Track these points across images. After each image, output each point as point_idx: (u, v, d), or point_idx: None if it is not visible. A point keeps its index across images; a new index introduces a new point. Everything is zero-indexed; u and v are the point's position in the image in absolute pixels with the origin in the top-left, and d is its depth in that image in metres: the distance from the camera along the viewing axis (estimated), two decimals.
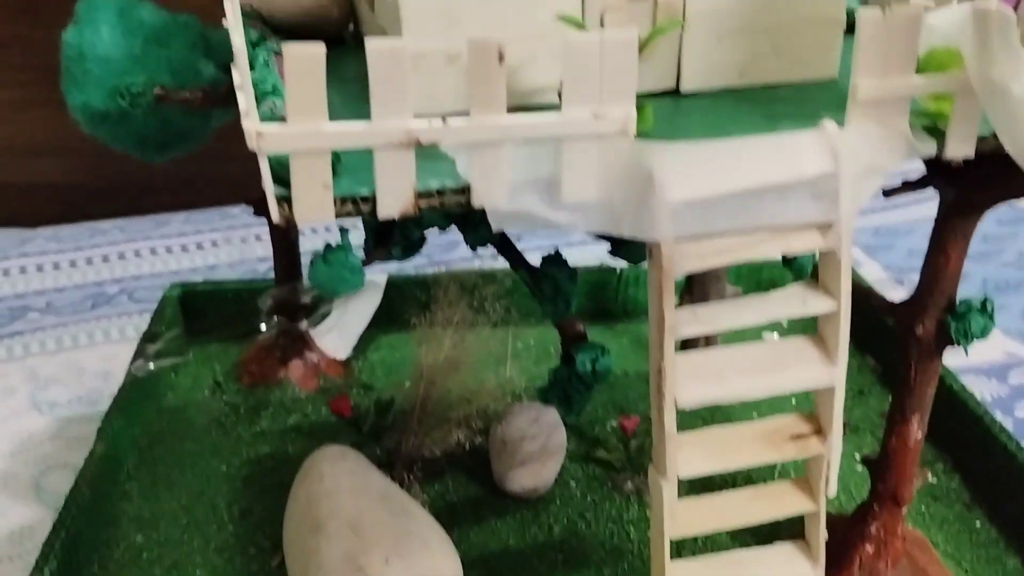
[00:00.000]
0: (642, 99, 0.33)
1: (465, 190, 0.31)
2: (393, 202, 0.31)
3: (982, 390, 0.67)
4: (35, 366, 0.67)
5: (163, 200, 0.91)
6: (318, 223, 0.30)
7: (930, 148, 0.35)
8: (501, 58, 0.29)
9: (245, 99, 0.29)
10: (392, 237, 0.40)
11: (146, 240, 0.85)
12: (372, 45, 0.28)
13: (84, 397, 0.63)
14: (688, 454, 0.36)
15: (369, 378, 0.63)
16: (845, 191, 0.33)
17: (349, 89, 0.40)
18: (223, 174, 0.84)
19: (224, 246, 0.84)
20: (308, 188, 0.29)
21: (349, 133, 0.29)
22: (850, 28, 0.35)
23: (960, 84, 0.34)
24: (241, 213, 0.91)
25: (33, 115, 0.89)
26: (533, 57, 0.37)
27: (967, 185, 0.39)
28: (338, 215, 0.30)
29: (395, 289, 0.67)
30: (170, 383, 0.62)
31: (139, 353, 0.59)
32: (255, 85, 0.36)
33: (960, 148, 0.35)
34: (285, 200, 0.30)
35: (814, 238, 0.34)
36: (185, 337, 0.65)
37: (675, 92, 0.40)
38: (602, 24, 0.38)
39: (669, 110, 0.38)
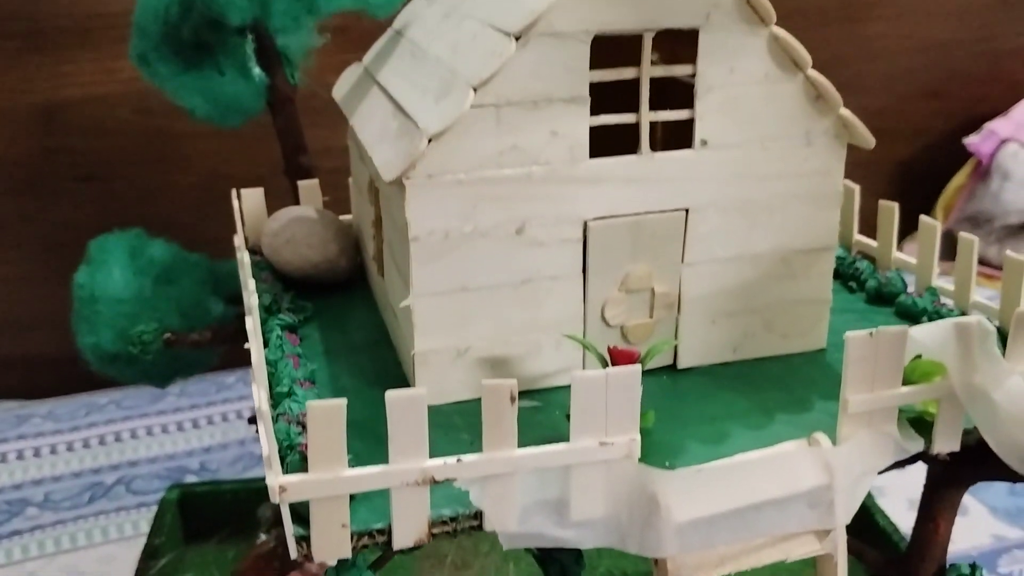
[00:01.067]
0: (644, 399, 0.34)
1: (478, 515, 0.32)
2: (408, 533, 0.32)
3: None
4: (34, 570, 0.67)
5: None
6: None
7: (918, 445, 0.37)
8: (513, 399, 0.31)
9: (268, 447, 0.30)
10: None
11: (142, 418, 0.86)
12: (391, 396, 0.30)
13: None
14: None
15: None
16: (840, 499, 0.34)
17: (357, 361, 0.42)
18: None
19: (220, 424, 0.85)
20: (327, 529, 0.31)
21: (368, 476, 0.30)
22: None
23: (944, 391, 0.36)
24: (236, 382, 0.92)
25: (31, 290, 0.91)
26: (539, 347, 0.39)
27: (954, 463, 0.40)
28: (354, 550, 0.31)
29: None
30: None
31: (140, 573, 0.59)
32: (273, 382, 0.37)
33: (947, 445, 0.37)
34: (304, 539, 0.31)
35: (812, 543, 0.35)
36: (184, 543, 0.65)
37: (673, 367, 0.42)
38: (603, 317, 0.40)
39: (667, 390, 0.40)
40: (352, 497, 0.31)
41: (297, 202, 0.55)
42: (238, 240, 0.50)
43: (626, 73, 0.37)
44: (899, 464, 0.42)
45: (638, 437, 0.33)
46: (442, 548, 0.57)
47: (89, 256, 0.54)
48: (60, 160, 0.89)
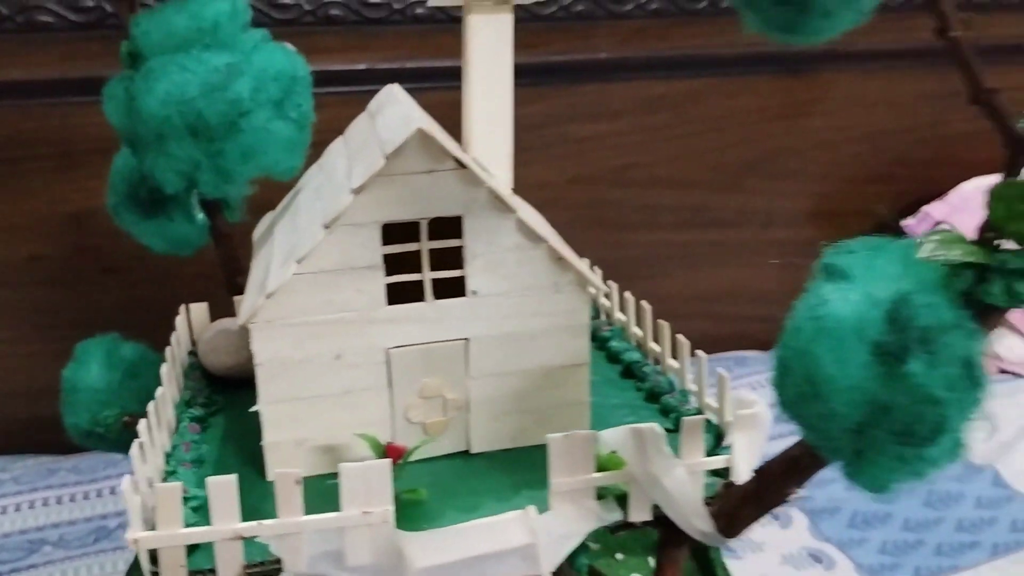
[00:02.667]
0: (425, 472, 0.49)
1: (278, 560, 0.47)
2: (228, 573, 0.47)
3: None
4: None
5: None
6: None
7: (617, 515, 0.50)
8: (297, 482, 0.46)
9: (131, 510, 0.46)
10: None
11: None
12: (210, 481, 0.45)
13: None
14: None
15: None
16: (544, 554, 0.48)
17: (245, 445, 0.57)
18: None
19: None
20: (171, 569, 0.46)
21: (197, 533, 0.46)
22: None
23: (629, 476, 0.50)
24: None
25: (62, 363, 1.09)
26: (354, 441, 0.54)
27: (667, 526, 0.53)
28: None
29: None
30: None
31: None
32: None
33: (639, 514, 0.50)
34: (156, 574, 0.46)
35: None
36: None
37: (467, 452, 0.56)
38: (406, 417, 0.54)
39: (457, 470, 0.55)
40: (194, 547, 0.47)
41: (235, 314, 0.71)
42: (172, 342, 0.66)
43: (411, 247, 0.52)
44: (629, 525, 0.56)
45: (391, 508, 0.47)
46: None
47: (74, 355, 0.70)
48: (87, 256, 1.08)
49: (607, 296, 0.73)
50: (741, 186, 1.30)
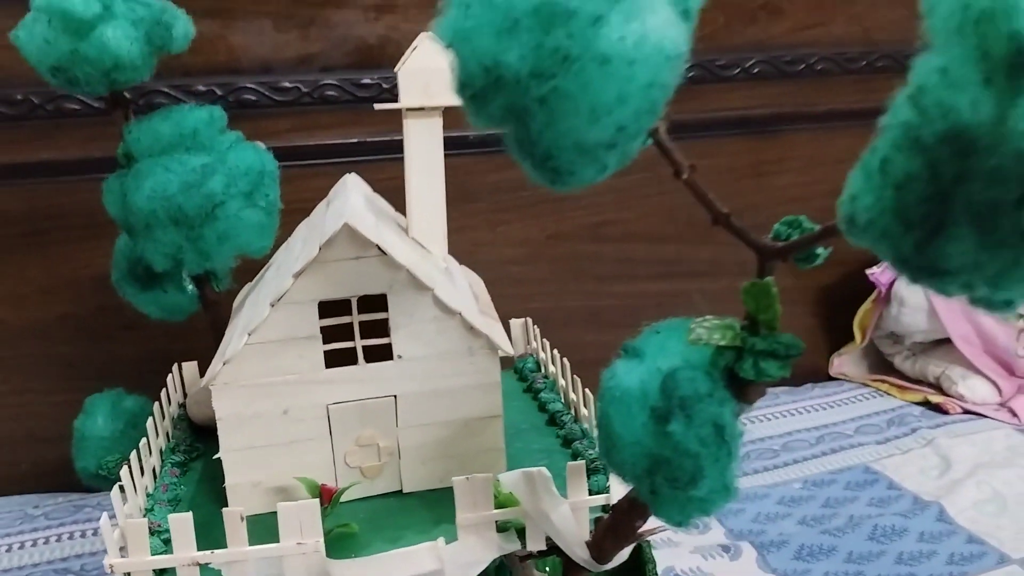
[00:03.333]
0: (362, 508, 0.58)
1: None
2: None
3: None
4: None
5: None
6: None
7: (516, 545, 0.60)
8: (242, 519, 0.56)
9: (108, 542, 0.56)
10: None
11: None
12: (172, 518, 0.55)
13: None
14: None
15: None
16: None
17: (216, 487, 0.68)
18: None
19: None
20: None
21: (160, 560, 0.56)
22: None
23: (523, 512, 0.59)
24: None
25: None
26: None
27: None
28: None
29: None
30: None
31: None
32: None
33: (536, 545, 0.60)
34: None
35: None
36: None
37: (400, 492, 0.66)
38: (345, 462, 0.64)
39: (390, 507, 0.65)
40: (161, 572, 0.57)
41: None
42: (162, 397, 0.77)
43: (344, 319, 0.62)
44: (543, 554, 0.65)
45: (321, 539, 0.57)
46: None
47: (84, 407, 0.82)
48: (109, 314, 1.20)
49: (543, 350, 0.83)
50: (713, 239, 1.38)
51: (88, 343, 1.20)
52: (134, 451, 0.65)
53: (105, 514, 0.58)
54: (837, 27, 1.39)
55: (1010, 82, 0.30)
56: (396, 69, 0.69)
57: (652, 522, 0.51)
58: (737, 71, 1.39)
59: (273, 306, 0.61)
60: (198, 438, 0.75)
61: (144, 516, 0.62)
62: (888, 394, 1.46)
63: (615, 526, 0.53)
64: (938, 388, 1.43)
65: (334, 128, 1.23)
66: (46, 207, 1.17)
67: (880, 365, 1.53)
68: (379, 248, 0.61)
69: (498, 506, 0.59)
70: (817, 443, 1.32)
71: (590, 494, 0.59)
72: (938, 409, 1.39)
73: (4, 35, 1.10)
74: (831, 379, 1.55)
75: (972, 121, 0.31)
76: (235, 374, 0.61)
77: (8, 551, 1.07)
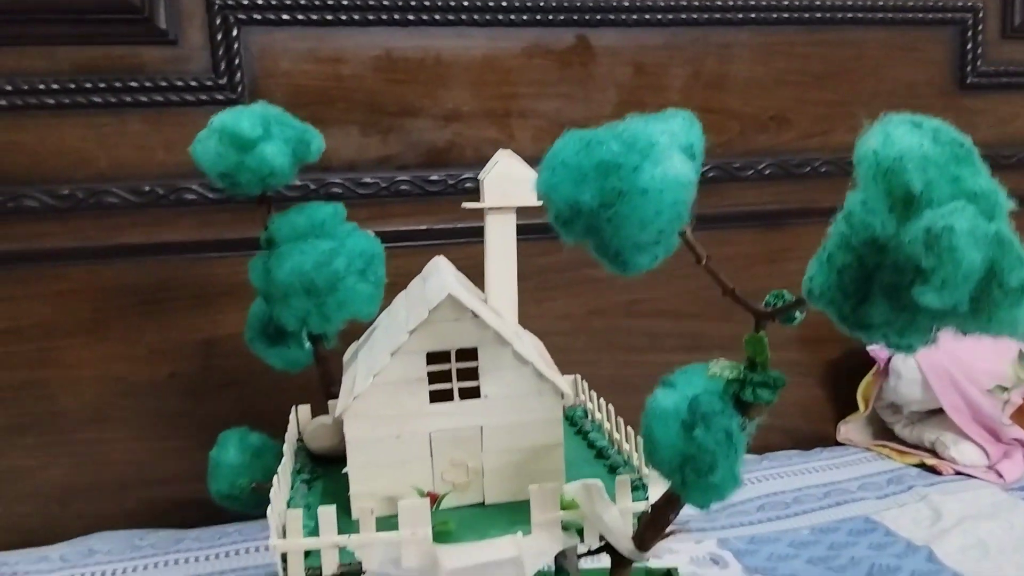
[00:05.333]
0: (454, 514, 0.77)
1: (360, 563, 0.76)
2: (329, 569, 0.75)
3: None
4: None
5: None
6: None
7: (575, 541, 0.78)
8: (372, 512, 0.75)
9: (274, 528, 0.75)
10: None
11: (252, 541, 1.32)
12: (321, 509, 0.74)
13: None
14: None
15: None
16: (526, 562, 0.76)
17: (339, 498, 0.87)
18: None
19: None
20: (295, 568, 0.75)
21: (310, 542, 0.75)
22: None
23: (582, 515, 0.77)
24: None
25: (190, 458, 1.41)
26: (408, 492, 0.83)
27: (613, 550, 0.80)
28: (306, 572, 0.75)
29: None
30: None
31: None
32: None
33: (591, 541, 0.78)
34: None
35: None
36: None
37: (483, 504, 0.85)
38: (442, 478, 0.83)
39: (474, 514, 0.83)
40: (307, 552, 0.76)
41: (329, 412, 1.02)
42: (288, 432, 0.96)
43: (445, 366, 0.82)
44: (592, 552, 0.83)
45: (429, 531, 0.75)
46: None
47: (218, 440, 1.01)
48: (214, 373, 1.40)
49: (590, 400, 1.02)
50: (732, 317, 1.58)
51: (193, 398, 1.41)
52: (279, 469, 0.84)
53: (270, 507, 0.77)
54: (837, 135, 1.60)
55: (903, 212, 0.50)
56: (480, 177, 0.90)
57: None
58: (751, 172, 1.60)
59: (392, 355, 0.80)
60: (316, 464, 0.94)
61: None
62: (889, 457, 1.63)
63: (654, 520, 0.72)
64: (933, 452, 1.59)
65: (407, 216, 1.44)
66: (162, 281, 1.38)
67: (882, 432, 1.70)
68: (473, 313, 0.81)
69: (562, 509, 0.77)
70: (824, 497, 1.48)
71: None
72: (932, 470, 1.56)
73: (130, 137, 1.33)
74: (838, 444, 1.72)
75: (881, 235, 0.50)
76: (362, 407, 0.81)
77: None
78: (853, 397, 1.67)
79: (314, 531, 0.76)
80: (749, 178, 1.58)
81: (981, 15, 1.63)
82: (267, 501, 0.99)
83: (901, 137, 0.50)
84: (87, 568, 1.27)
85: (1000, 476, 1.49)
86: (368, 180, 1.41)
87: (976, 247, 0.47)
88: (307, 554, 0.76)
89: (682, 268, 0.67)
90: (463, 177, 1.44)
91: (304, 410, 1.01)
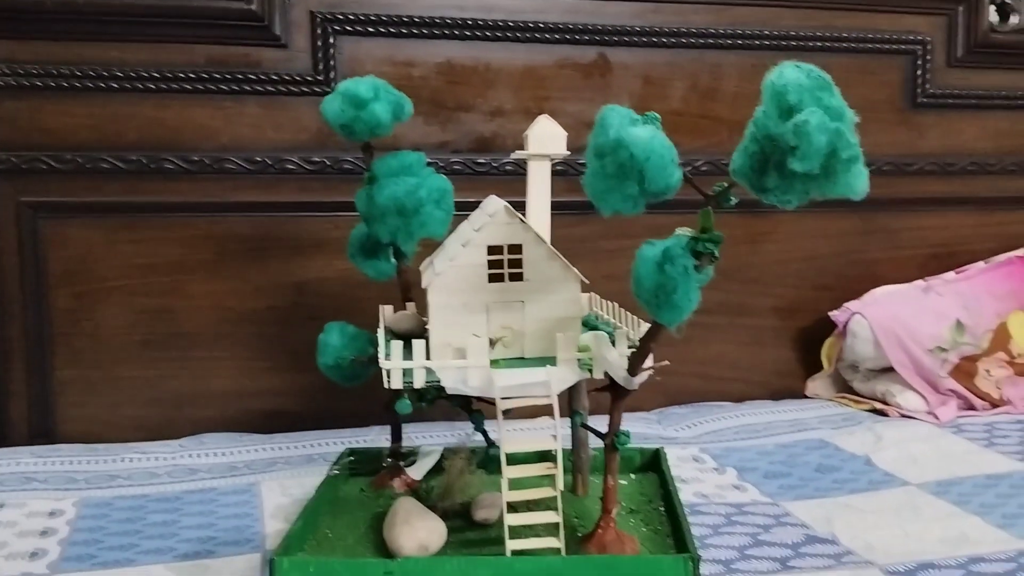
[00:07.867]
0: (503, 363, 1.12)
1: (438, 381, 1.10)
2: (419, 386, 1.10)
3: None
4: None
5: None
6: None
7: (586, 374, 1.12)
8: (447, 344, 1.09)
9: (384, 358, 1.10)
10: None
11: (322, 439, 1.67)
12: (414, 342, 1.09)
13: None
14: None
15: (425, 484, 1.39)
16: (553, 384, 1.10)
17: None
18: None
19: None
20: (395, 381, 1.10)
21: (408, 363, 1.09)
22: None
23: (592, 355, 1.12)
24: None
25: (279, 372, 1.75)
26: (473, 341, 1.17)
27: (613, 383, 1.14)
28: (401, 391, 1.10)
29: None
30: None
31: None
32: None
33: (598, 374, 1.12)
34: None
35: (544, 399, 1.11)
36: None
37: (522, 357, 1.19)
38: (494, 337, 1.18)
39: (518, 363, 1.17)
40: (405, 372, 1.10)
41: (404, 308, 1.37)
42: (380, 327, 1.31)
43: (499, 256, 1.17)
44: (599, 389, 1.18)
45: (488, 361, 1.10)
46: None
47: (324, 330, 1.36)
48: (301, 309, 1.75)
49: (599, 307, 1.37)
50: (720, 288, 1.93)
51: (284, 327, 1.76)
52: (378, 339, 1.18)
53: (381, 333, 1.12)
54: None
55: (786, 117, 0.85)
56: (525, 134, 1.26)
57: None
58: None
59: (463, 246, 1.16)
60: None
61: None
62: (847, 405, 1.96)
63: (640, 349, 1.06)
64: (883, 401, 1.92)
65: (459, 191, 1.79)
66: (266, 232, 1.75)
67: (844, 389, 2.03)
68: (520, 219, 1.16)
69: (579, 351, 1.12)
70: (789, 426, 1.82)
71: None
72: (882, 414, 1.89)
73: (247, 118, 1.71)
74: (806, 398, 2.05)
75: (773, 131, 0.86)
76: (442, 282, 1.16)
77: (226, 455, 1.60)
78: (819, 359, 2.01)
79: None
80: None
81: (929, 47, 1.99)
82: (362, 372, 1.35)
83: (787, 73, 0.86)
84: (202, 450, 1.62)
85: (937, 418, 1.82)
86: (429, 160, 1.77)
87: (823, 133, 0.82)
88: (404, 373, 1.11)
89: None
90: (504, 161, 1.81)
91: (387, 308, 1.36)
